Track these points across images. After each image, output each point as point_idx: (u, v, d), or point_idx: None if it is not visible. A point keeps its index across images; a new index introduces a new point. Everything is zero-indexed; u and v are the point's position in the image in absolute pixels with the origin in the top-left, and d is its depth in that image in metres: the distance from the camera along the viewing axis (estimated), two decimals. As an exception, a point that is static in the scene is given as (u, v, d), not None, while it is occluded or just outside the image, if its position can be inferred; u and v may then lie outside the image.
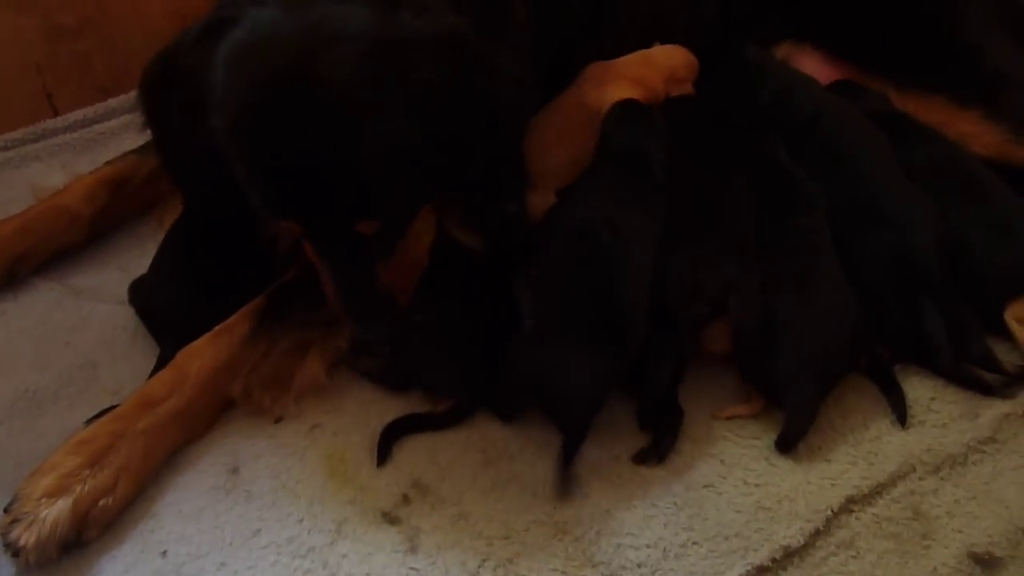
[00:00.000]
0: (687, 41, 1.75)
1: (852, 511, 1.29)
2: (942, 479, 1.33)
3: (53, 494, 1.24)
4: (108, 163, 1.79)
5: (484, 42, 1.29)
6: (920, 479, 1.33)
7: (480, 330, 1.41)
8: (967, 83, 1.73)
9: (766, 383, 1.39)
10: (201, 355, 1.39)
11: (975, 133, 1.71)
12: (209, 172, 1.29)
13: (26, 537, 1.21)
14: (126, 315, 1.60)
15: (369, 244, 1.30)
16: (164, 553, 1.26)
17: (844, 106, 1.71)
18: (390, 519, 1.28)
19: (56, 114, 2.15)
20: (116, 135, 2.07)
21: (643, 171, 1.51)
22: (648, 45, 1.73)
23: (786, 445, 1.35)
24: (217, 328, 1.43)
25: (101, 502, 1.26)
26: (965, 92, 1.73)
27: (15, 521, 1.22)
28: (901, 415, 1.39)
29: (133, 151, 1.81)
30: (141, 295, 1.57)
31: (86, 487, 1.25)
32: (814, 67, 1.86)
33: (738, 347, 1.40)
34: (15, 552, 1.21)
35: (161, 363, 1.45)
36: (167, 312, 1.53)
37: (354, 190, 1.22)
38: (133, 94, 2.10)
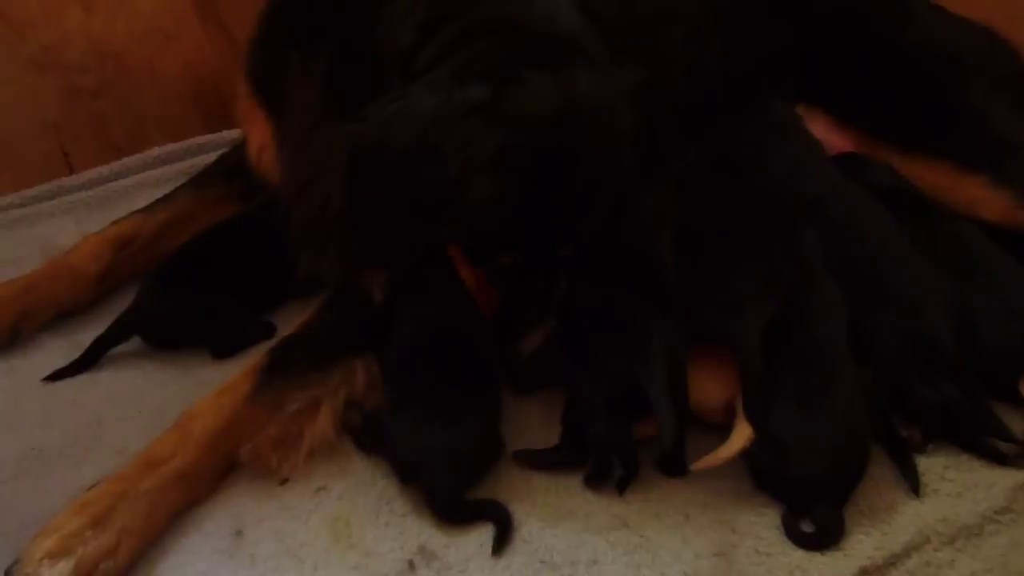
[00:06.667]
0: (683, 93, 1.75)
1: (867, 583, 1.27)
2: (958, 550, 1.31)
3: (55, 555, 1.23)
4: (114, 223, 1.82)
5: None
6: (935, 550, 1.30)
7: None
8: (973, 149, 1.74)
9: (788, 498, 1.35)
10: (204, 415, 1.39)
11: (982, 198, 1.71)
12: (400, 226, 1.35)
13: (28, 599, 1.19)
14: (133, 372, 1.61)
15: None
16: (165, 618, 1.24)
17: (850, 186, 1.69)
18: (395, 586, 1.26)
19: (72, 172, 2.19)
20: (130, 193, 2.10)
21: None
22: None
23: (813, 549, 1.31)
24: (220, 387, 1.43)
25: (103, 564, 1.25)
26: (971, 158, 1.73)
27: (18, 583, 1.21)
28: (914, 484, 1.37)
29: (139, 211, 1.84)
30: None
31: (88, 549, 1.24)
32: (823, 131, 1.87)
33: (753, 465, 1.37)
34: (18, 614, 1.19)
35: (116, 325, 1.62)
36: (158, 311, 1.64)
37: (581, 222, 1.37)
38: (148, 153, 2.19)
